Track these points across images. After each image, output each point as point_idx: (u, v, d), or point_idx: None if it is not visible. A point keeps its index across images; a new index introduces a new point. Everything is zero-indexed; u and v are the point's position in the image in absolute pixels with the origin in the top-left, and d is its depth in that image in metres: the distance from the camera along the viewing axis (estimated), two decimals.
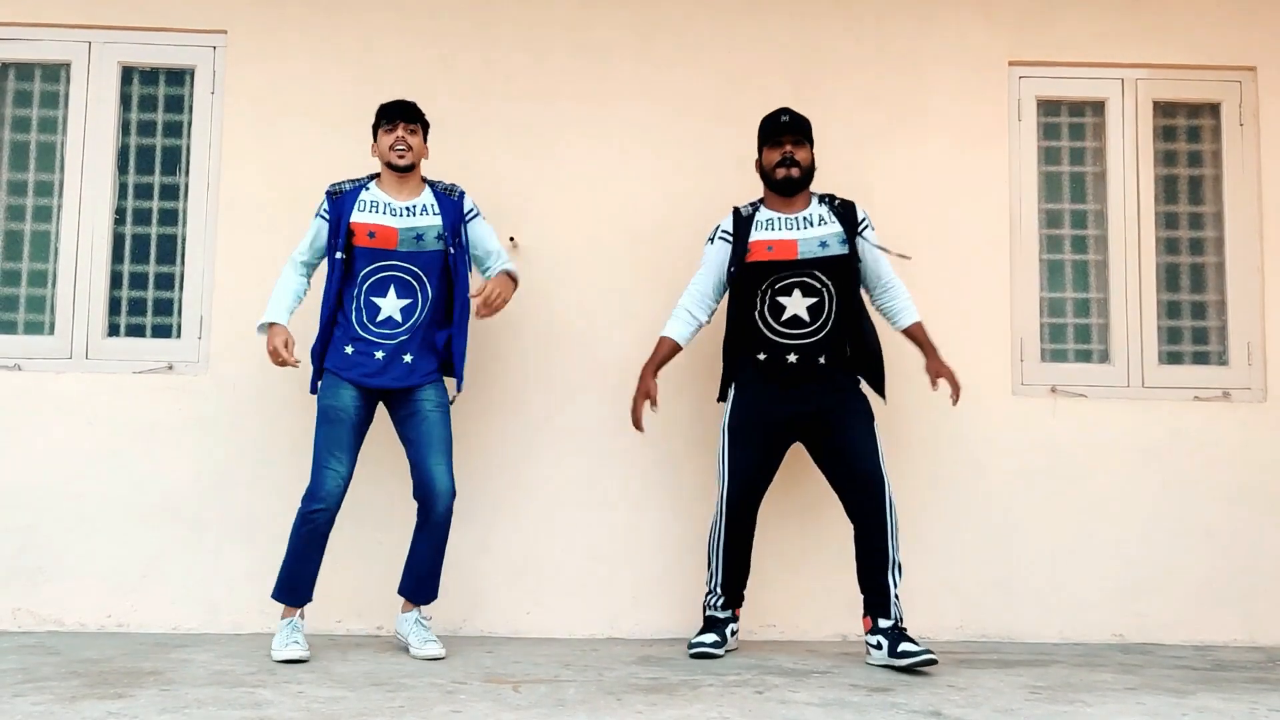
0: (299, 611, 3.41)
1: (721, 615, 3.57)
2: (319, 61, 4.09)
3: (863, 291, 3.60)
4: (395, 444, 3.75)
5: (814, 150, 3.59)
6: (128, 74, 4.15)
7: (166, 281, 4.09)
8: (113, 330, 4.06)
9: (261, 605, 3.84)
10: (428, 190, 3.57)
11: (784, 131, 3.52)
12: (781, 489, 3.91)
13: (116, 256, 4.09)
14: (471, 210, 3.60)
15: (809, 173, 3.54)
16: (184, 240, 4.08)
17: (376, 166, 3.66)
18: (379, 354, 3.42)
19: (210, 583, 3.87)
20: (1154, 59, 4.23)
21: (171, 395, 3.95)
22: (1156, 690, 3.04)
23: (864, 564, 3.42)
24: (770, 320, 3.48)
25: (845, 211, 3.54)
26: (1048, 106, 4.28)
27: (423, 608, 3.53)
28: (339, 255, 3.43)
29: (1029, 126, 4.24)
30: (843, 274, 3.48)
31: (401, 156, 3.48)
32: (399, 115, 3.52)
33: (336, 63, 4.09)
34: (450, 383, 3.58)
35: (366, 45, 4.11)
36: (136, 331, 4.07)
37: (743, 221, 3.55)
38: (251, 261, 3.99)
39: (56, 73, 4.12)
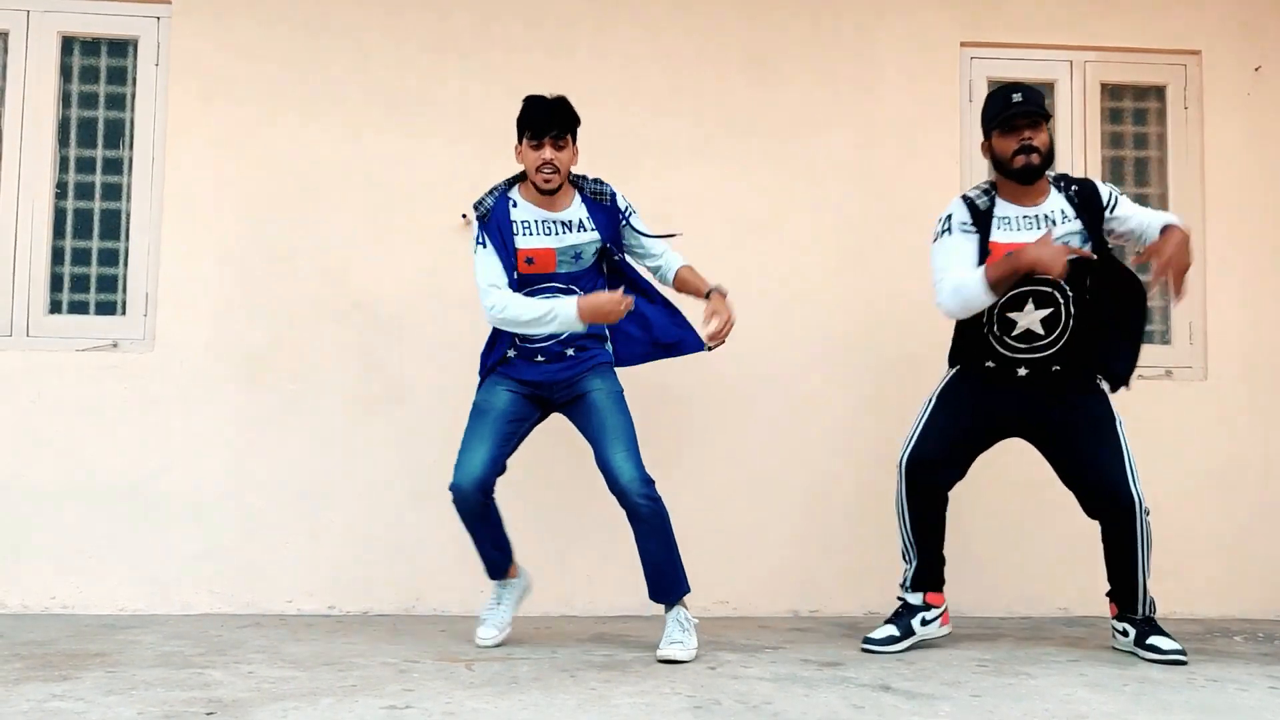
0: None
1: (912, 599, 3.22)
2: (266, 35, 4.01)
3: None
4: (331, 427, 3.70)
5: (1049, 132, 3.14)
6: (68, 44, 4.05)
7: (110, 257, 4.01)
8: (54, 307, 3.98)
9: (210, 585, 3.80)
10: (576, 197, 3.18)
11: (1018, 115, 3.10)
12: (725, 463, 3.94)
13: (58, 232, 4.00)
14: (627, 209, 3.23)
15: (1049, 158, 3.13)
16: (128, 216, 4.00)
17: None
18: (539, 357, 3.17)
19: (157, 563, 3.82)
20: (1102, 41, 4.28)
21: (116, 373, 3.87)
22: (1099, 661, 3.11)
23: (1113, 564, 3.19)
24: (1000, 335, 3.17)
25: (1087, 198, 3.15)
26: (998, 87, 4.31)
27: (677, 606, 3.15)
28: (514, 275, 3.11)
29: (980, 107, 4.26)
30: (1082, 278, 3.11)
31: (549, 181, 3.07)
32: (545, 129, 3.03)
33: (285, 37, 4.01)
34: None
35: (316, 20, 4.03)
36: (79, 308, 3.99)
37: (981, 216, 3.14)
38: (198, 237, 3.92)
39: None
